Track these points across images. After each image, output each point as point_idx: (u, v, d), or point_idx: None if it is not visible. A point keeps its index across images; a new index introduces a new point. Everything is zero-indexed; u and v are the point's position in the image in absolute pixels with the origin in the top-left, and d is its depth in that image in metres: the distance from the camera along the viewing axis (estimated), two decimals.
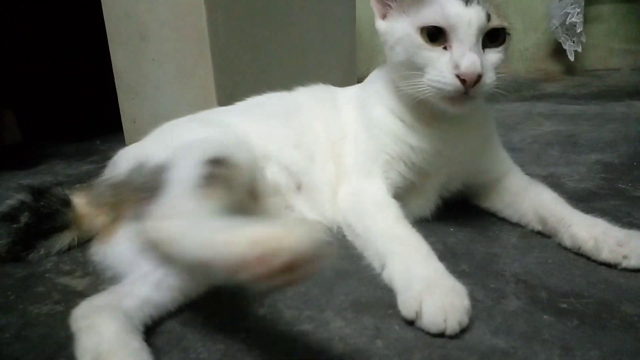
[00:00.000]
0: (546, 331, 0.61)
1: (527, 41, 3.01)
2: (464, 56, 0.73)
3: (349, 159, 0.93)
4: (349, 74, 2.23)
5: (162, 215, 0.63)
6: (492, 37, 0.78)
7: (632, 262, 0.73)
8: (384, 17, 0.86)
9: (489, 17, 0.75)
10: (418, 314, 0.62)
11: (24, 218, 0.80)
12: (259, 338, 0.63)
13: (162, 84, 1.55)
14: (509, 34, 0.80)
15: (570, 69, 2.92)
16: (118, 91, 1.63)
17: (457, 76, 0.73)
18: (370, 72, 1.02)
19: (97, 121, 1.96)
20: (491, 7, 0.77)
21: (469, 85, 0.73)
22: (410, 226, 0.77)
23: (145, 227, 0.63)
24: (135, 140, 1.60)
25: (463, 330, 0.61)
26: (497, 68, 0.78)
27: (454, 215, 0.94)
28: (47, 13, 2.07)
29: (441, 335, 0.60)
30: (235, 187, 0.74)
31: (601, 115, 1.83)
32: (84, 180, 1.33)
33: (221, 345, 0.61)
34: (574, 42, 2.71)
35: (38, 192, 0.82)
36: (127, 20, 1.54)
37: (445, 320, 0.60)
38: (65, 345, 0.62)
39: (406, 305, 0.63)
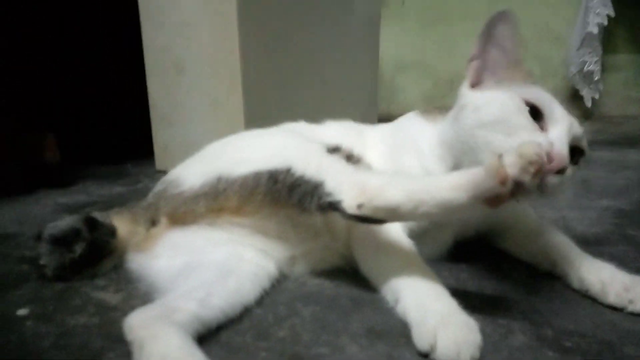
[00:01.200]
0: None
1: (545, 86, 3.01)
2: (561, 140, 0.75)
3: None
4: (370, 112, 2.31)
5: (362, 191, 0.75)
6: (571, 154, 0.78)
7: (638, 307, 0.77)
8: (473, 85, 0.88)
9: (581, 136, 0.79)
10: (432, 347, 0.65)
11: (79, 249, 0.85)
12: (279, 357, 0.67)
13: (195, 115, 1.64)
14: (582, 160, 0.82)
15: (587, 115, 2.96)
16: (152, 119, 1.73)
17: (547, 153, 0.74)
18: (390, 111, 1.05)
19: (129, 146, 2.06)
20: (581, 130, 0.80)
21: (551, 169, 0.73)
22: (424, 263, 0.81)
23: (369, 202, 0.74)
24: (166, 165, 1.71)
25: None
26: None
27: (467, 250, 0.98)
28: (90, 43, 2.20)
29: None
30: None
31: (616, 161, 1.86)
32: (115, 200, 1.42)
33: None
34: (591, 88, 2.76)
35: (91, 223, 0.87)
36: (164, 53, 1.65)
37: (458, 354, 0.63)
38: (101, 355, 0.67)
39: (421, 338, 0.67)
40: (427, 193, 0.71)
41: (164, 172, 1.70)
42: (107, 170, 1.80)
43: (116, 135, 2.22)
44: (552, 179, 0.73)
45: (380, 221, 0.78)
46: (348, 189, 0.77)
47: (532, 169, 0.65)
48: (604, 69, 2.77)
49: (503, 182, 0.65)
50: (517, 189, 0.66)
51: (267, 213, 0.86)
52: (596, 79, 2.71)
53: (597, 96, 2.78)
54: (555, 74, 3.05)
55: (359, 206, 0.75)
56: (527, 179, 0.65)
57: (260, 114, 1.60)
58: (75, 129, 1.97)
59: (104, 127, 2.22)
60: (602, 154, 2.02)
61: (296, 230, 0.88)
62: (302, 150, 0.87)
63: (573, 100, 3.03)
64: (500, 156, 0.66)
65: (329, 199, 0.78)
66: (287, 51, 1.69)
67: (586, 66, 2.68)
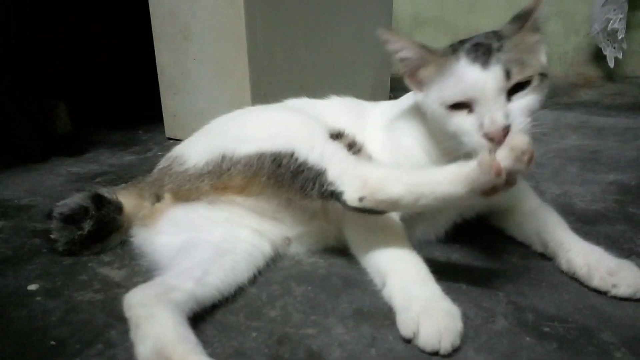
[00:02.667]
0: (525, 352, 0.67)
1: (567, 45, 2.97)
2: (485, 116, 0.77)
3: None
4: (383, 73, 2.27)
5: (364, 185, 0.78)
6: (519, 86, 0.79)
7: (620, 291, 0.78)
8: (420, 90, 0.89)
9: (508, 75, 0.78)
10: (415, 335, 0.68)
11: (87, 226, 0.89)
12: (268, 338, 0.71)
13: (202, 82, 1.64)
14: (544, 75, 0.81)
15: (609, 75, 2.86)
16: (160, 86, 1.75)
17: (485, 135, 0.77)
18: None
19: (141, 111, 2.09)
20: (515, 59, 0.78)
21: (498, 141, 0.75)
22: (411, 248, 0.83)
23: (369, 196, 0.78)
24: (175, 132, 1.73)
25: (455, 350, 0.67)
26: (533, 109, 0.79)
27: (461, 230, 0.99)
28: (97, 12, 2.20)
29: (435, 354, 0.67)
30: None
31: (631, 130, 1.82)
32: (126, 169, 1.46)
33: (235, 342, 0.70)
34: (614, 48, 2.66)
35: (98, 200, 0.91)
36: (171, 19, 1.64)
37: (439, 342, 0.66)
38: (103, 332, 0.72)
39: (405, 326, 0.70)
40: (427, 187, 0.75)
41: (174, 140, 1.75)
42: (119, 136, 1.84)
43: (128, 102, 2.25)
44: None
45: (380, 212, 0.81)
46: (350, 181, 0.80)
47: (525, 158, 0.69)
48: (628, 27, 2.64)
49: (498, 175, 0.68)
50: (511, 177, 0.70)
51: (270, 194, 0.89)
52: (620, 37, 2.60)
53: (620, 56, 2.68)
54: (577, 31, 2.93)
55: (361, 199, 0.78)
56: (521, 167, 0.69)
57: (267, 80, 1.60)
58: (86, 96, 2.00)
59: (115, 93, 2.24)
60: (618, 120, 1.97)
61: (292, 213, 0.91)
62: (305, 132, 0.89)
63: (595, 60, 2.93)
64: (490, 151, 0.70)
65: (331, 188, 0.81)
66: (293, 14, 1.66)
67: (610, 24, 2.56)
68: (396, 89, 2.18)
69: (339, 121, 1.02)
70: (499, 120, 0.76)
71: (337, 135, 0.89)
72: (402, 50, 0.87)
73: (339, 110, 1.07)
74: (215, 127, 1.02)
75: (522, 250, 0.95)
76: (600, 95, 2.50)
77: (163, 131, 1.82)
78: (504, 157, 0.69)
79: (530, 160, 0.69)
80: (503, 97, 0.78)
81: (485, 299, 0.80)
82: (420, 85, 0.89)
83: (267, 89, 1.60)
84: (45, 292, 0.83)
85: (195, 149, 0.96)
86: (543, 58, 0.85)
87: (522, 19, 0.83)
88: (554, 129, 1.85)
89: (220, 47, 1.56)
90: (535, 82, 0.80)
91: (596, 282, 0.80)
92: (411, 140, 0.94)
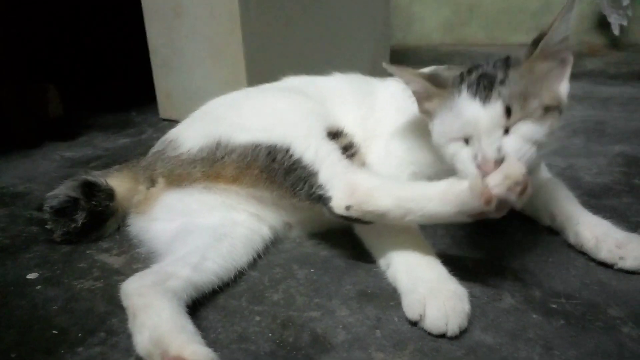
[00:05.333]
0: (532, 330, 0.66)
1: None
2: (479, 150, 0.73)
3: (375, 157, 0.94)
4: (382, 44, 2.22)
5: (352, 193, 0.75)
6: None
7: (627, 264, 0.77)
8: (430, 119, 0.85)
9: (509, 112, 0.73)
10: (422, 317, 0.67)
11: (80, 218, 0.88)
12: (272, 322, 0.70)
13: (195, 61, 1.61)
14: (554, 108, 0.77)
15: (614, 43, 2.81)
16: (153, 66, 1.71)
17: (478, 167, 0.73)
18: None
19: (133, 92, 2.05)
20: (519, 93, 0.74)
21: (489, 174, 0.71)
22: (417, 231, 0.81)
23: (358, 207, 0.75)
24: (169, 113, 1.70)
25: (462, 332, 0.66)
26: (533, 139, 0.74)
27: None
28: None
29: (442, 336, 0.66)
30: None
31: (636, 100, 1.79)
32: (120, 153, 1.44)
33: (238, 327, 0.69)
34: (619, 15, 2.60)
35: (88, 190, 0.89)
36: None
37: (446, 324, 0.65)
38: (104, 320, 0.71)
39: (411, 308, 0.68)
40: (416, 203, 0.72)
41: (168, 121, 1.72)
42: (112, 119, 1.81)
43: (119, 83, 2.21)
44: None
45: (365, 223, 0.78)
46: (339, 186, 0.77)
47: (518, 189, 0.65)
48: None
49: (488, 203, 0.66)
50: (501, 205, 0.67)
51: (262, 188, 0.86)
52: (625, 4, 2.54)
53: (625, 23, 2.62)
54: None
55: (348, 207, 0.75)
56: (513, 197, 0.66)
57: (263, 57, 1.56)
58: (77, 78, 1.96)
59: (106, 75, 2.20)
60: (623, 90, 1.94)
61: (291, 202, 0.88)
62: (304, 127, 0.85)
63: (600, 27, 2.87)
64: (483, 176, 0.67)
65: (320, 191, 0.78)
66: None
67: None
68: (396, 62, 2.12)
69: (342, 101, 0.99)
70: (489, 156, 0.72)
71: (335, 134, 0.85)
72: (408, 83, 0.85)
73: (343, 88, 1.03)
74: (211, 111, 0.99)
75: (528, 227, 0.93)
76: (605, 64, 2.45)
77: (157, 112, 1.79)
78: (496, 184, 0.66)
79: (523, 191, 0.66)
80: (498, 132, 0.73)
81: (491, 277, 0.78)
82: (430, 117, 0.85)
83: (262, 66, 1.56)
84: (45, 281, 0.82)
85: (190, 134, 0.93)
86: (560, 87, 0.79)
87: (537, 43, 0.77)
88: None
89: (213, 23, 1.52)
90: (536, 114, 0.74)
91: (603, 254, 0.79)
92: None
